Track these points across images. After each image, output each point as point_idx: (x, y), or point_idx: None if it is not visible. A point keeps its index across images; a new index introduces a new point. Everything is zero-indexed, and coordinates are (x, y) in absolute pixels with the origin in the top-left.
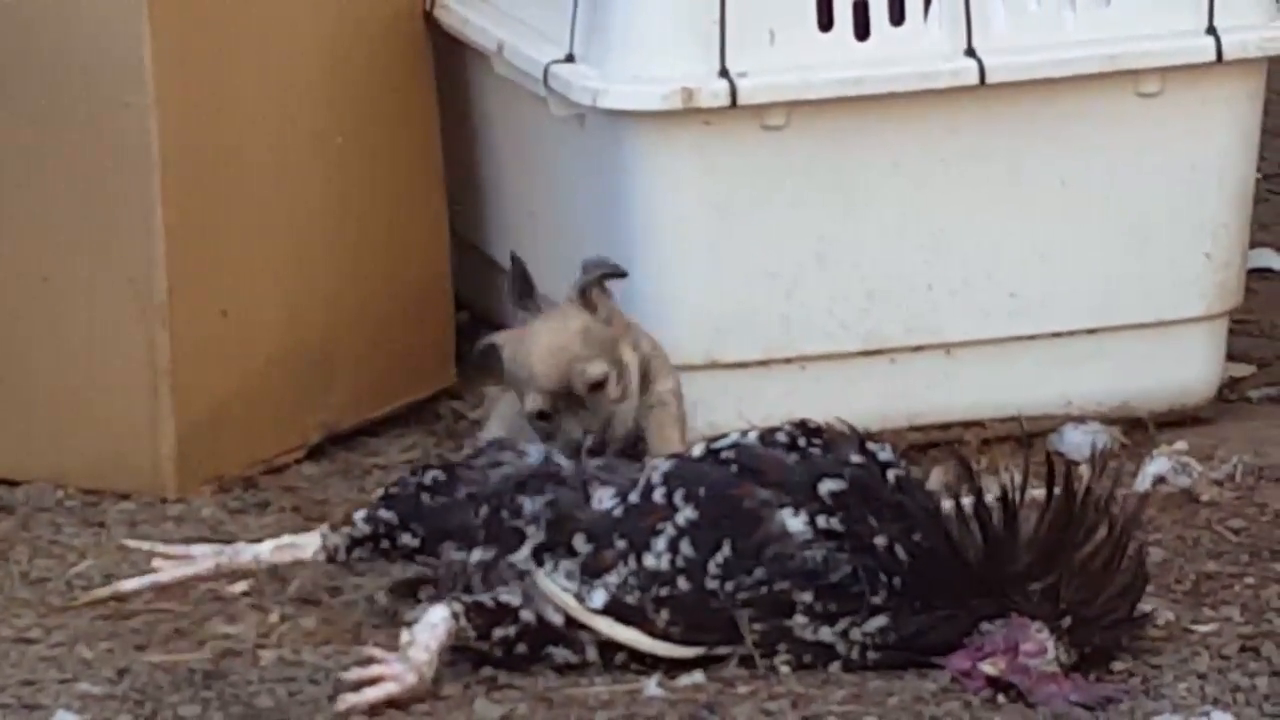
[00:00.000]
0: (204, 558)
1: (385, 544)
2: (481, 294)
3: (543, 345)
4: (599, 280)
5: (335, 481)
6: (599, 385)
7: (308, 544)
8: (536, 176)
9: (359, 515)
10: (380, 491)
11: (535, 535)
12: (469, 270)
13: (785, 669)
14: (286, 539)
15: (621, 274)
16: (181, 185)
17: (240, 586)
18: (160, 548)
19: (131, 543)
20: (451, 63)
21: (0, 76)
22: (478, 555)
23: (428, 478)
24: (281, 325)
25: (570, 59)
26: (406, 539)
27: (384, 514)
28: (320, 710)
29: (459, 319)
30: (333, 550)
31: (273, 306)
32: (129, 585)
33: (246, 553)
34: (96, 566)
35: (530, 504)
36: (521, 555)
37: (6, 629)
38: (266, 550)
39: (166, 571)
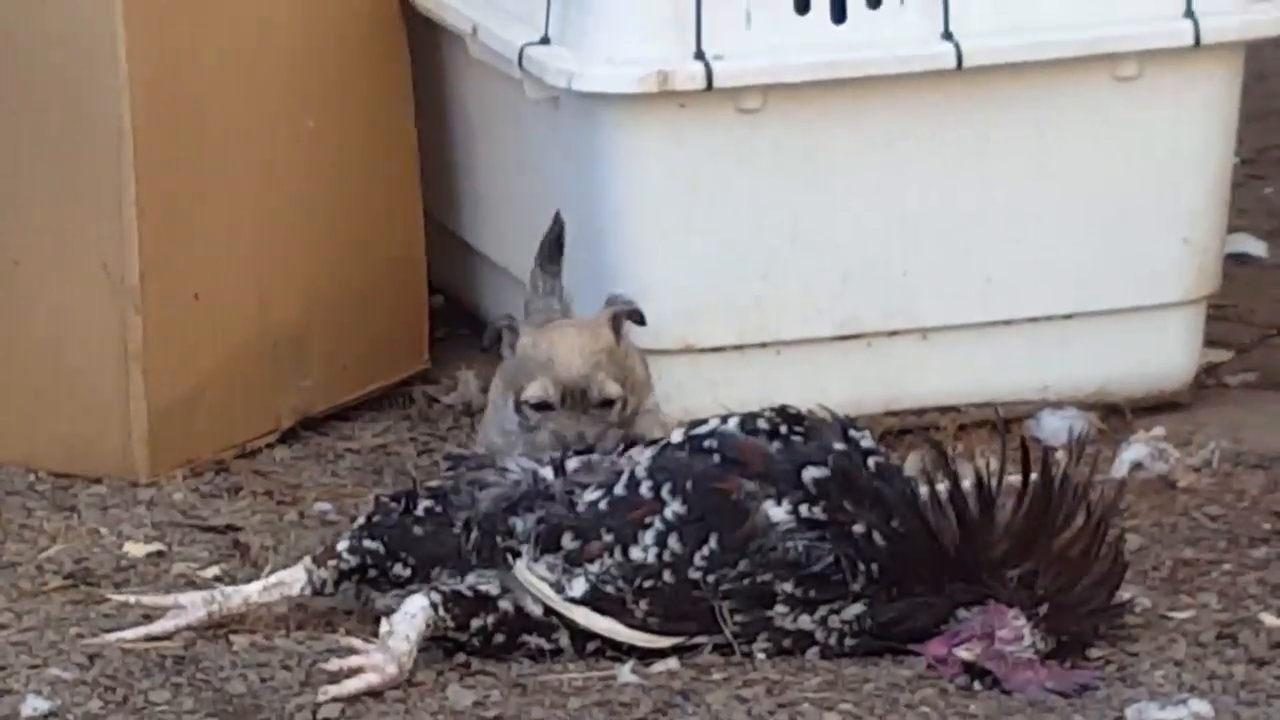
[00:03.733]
0: (194, 606)
1: (374, 574)
2: (456, 278)
3: (572, 341)
4: (627, 315)
5: (308, 465)
6: (609, 403)
7: (294, 580)
8: (511, 159)
9: (343, 547)
10: (360, 519)
11: (529, 553)
12: (443, 254)
13: (761, 656)
14: (274, 578)
15: (642, 320)
16: (154, 168)
17: (212, 571)
18: (147, 599)
19: (117, 596)
20: (426, 45)
21: None
22: (472, 579)
23: (419, 509)
24: (254, 309)
25: (545, 41)
26: (398, 569)
27: (370, 544)
28: (293, 695)
29: (433, 303)
30: (320, 584)
31: (245, 290)
32: (128, 635)
33: (236, 596)
34: (67, 550)
35: (522, 524)
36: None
37: None
38: (255, 591)
39: (159, 623)
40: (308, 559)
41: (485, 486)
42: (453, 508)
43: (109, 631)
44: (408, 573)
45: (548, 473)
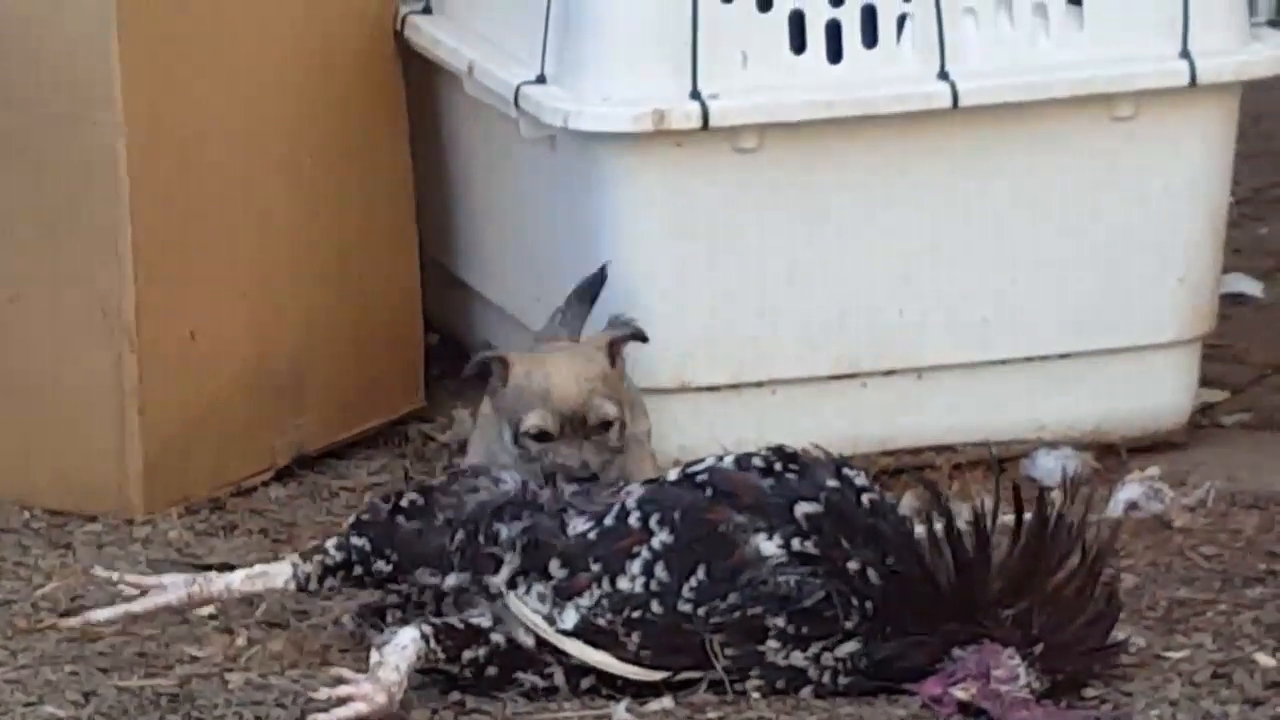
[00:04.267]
0: (175, 587)
1: (359, 570)
2: (452, 316)
3: (566, 370)
4: (628, 339)
5: (303, 504)
6: (609, 424)
7: (279, 573)
8: (507, 197)
9: (331, 543)
10: (351, 518)
11: (511, 561)
12: (439, 292)
13: (756, 694)
14: (258, 568)
15: (645, 339)
16: (150, 206)
17: (207, 610)
18: (130, 578)
19: (101, 572)
20: (422, 83)
21: None
22: (452, 581)
23: (404, 501)
24: (250, 347)
25: (541, 80)
26: (380, 565)
27: (356, 540)
28: None
29: (428, 341)
30: (304, 579)
31: (241, 328)
32: (101, 615)
33: (218, 582)
34: (63, 589)
35: (507, 530)
36: (499, 580)
37: None
38: (238, 580)
39: (138, 601)
40: (294, 554)
41: (476, 491)
42: (439, 506)
43: (104, 671)
44: (389, 569)
45: (539, 485)
